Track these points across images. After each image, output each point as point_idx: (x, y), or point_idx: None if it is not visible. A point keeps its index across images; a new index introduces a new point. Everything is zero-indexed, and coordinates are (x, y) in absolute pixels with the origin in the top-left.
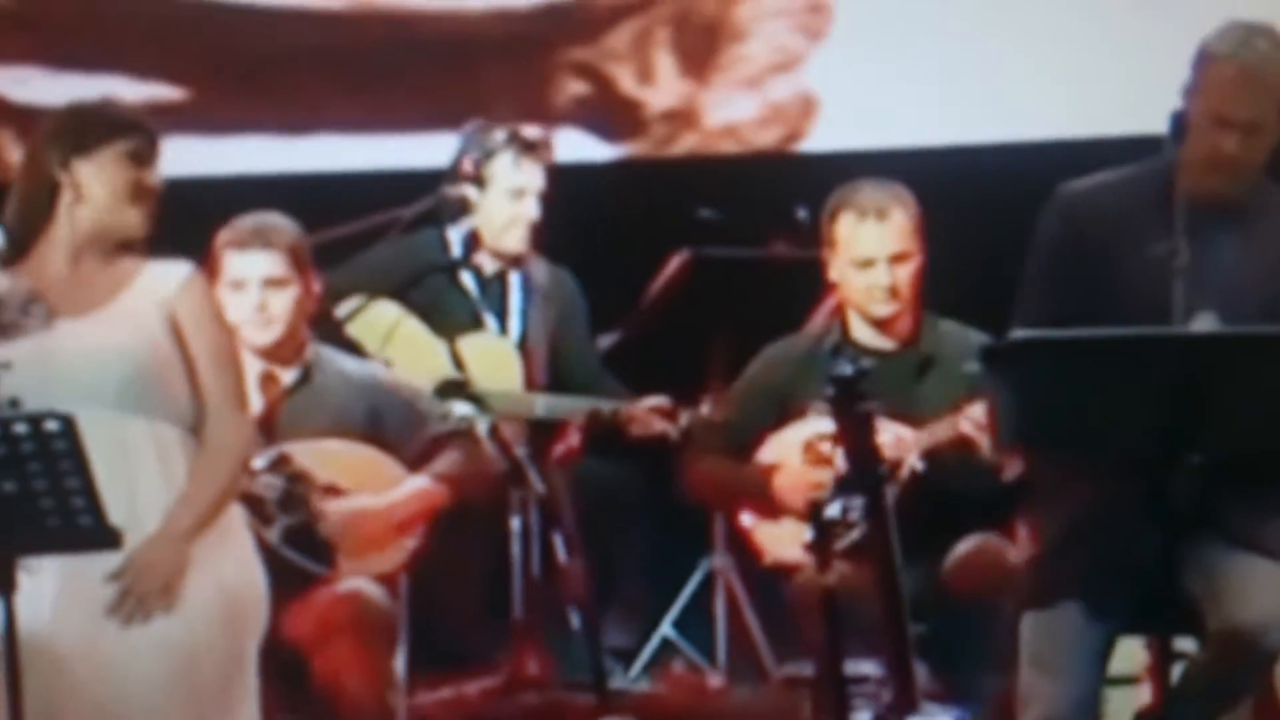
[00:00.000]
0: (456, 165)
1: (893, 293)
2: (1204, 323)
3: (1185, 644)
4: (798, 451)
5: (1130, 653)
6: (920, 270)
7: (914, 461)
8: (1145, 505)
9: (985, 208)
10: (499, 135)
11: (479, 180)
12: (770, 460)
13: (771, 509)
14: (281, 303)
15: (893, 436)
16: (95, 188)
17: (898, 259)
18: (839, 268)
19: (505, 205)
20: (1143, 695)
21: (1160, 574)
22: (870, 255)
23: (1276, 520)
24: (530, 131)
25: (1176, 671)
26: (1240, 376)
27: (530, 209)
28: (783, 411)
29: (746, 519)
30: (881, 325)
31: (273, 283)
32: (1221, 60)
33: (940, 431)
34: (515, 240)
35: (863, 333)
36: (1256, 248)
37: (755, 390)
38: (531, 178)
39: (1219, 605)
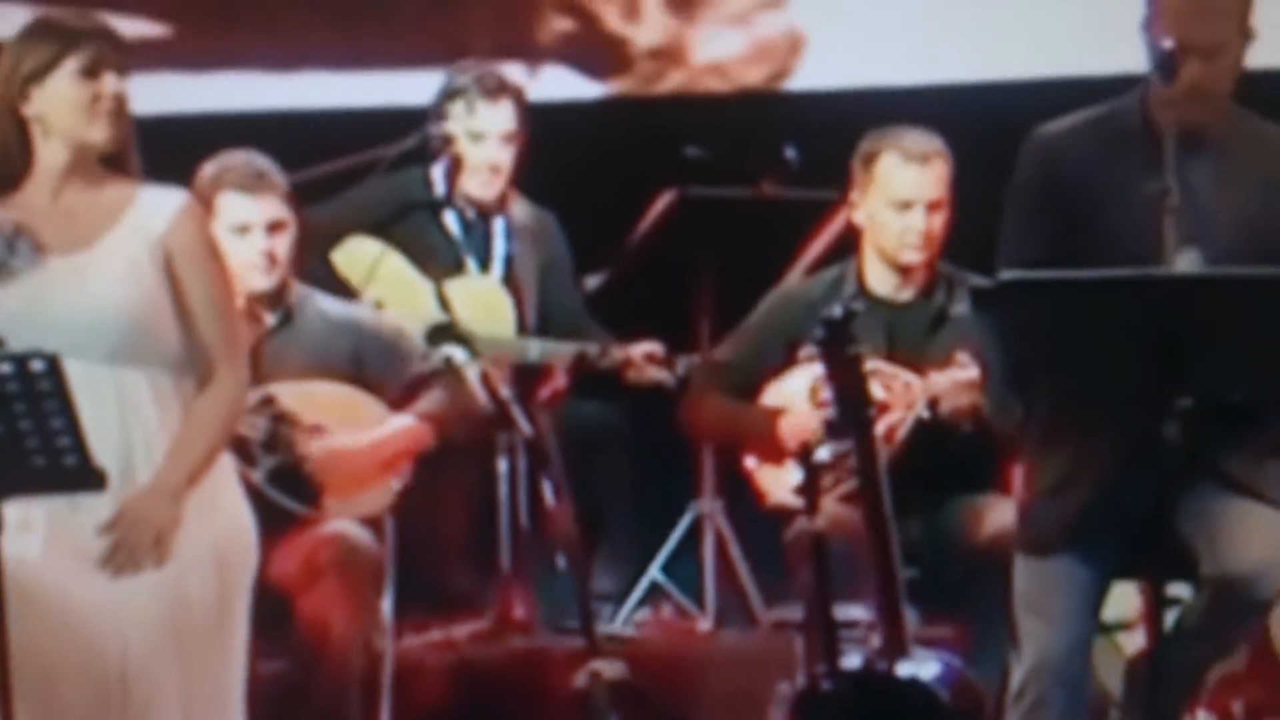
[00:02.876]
0: (434, 105)
1: (926, 239)
2: (1187, 259)
3: (1180, 589)
4: (804, 396)
5: (1124, 598)
6: (948, 223)
7: (921, 409)
8: (1136, 449)
9: (973, 147)
10: (462, 77)
11: (437, 116)
12: (776, 404)
13: (775, 452)
14: (284, 246)
15: (902, 383)
16: (56, 114)
17: (934, 206)
18: (870, 209)
19: (468, 149)
20: (1137, 640)
21: (1153, 519)
22: (910, 198)
23: (1271, 464)
24: (493, 75)
25: (1170, 617)
26: (1228, 318)
27: (490, 154)
28: (790, 354)
29: (749, 461)
30: (901, 274)
31: (275, 226)
32: None
33: (945, 380)
34: (479, 185)
35: (879, 281)
36: (1232, 179)
37: (764, 330)
38: (490, 122)
39: (1213, 551)
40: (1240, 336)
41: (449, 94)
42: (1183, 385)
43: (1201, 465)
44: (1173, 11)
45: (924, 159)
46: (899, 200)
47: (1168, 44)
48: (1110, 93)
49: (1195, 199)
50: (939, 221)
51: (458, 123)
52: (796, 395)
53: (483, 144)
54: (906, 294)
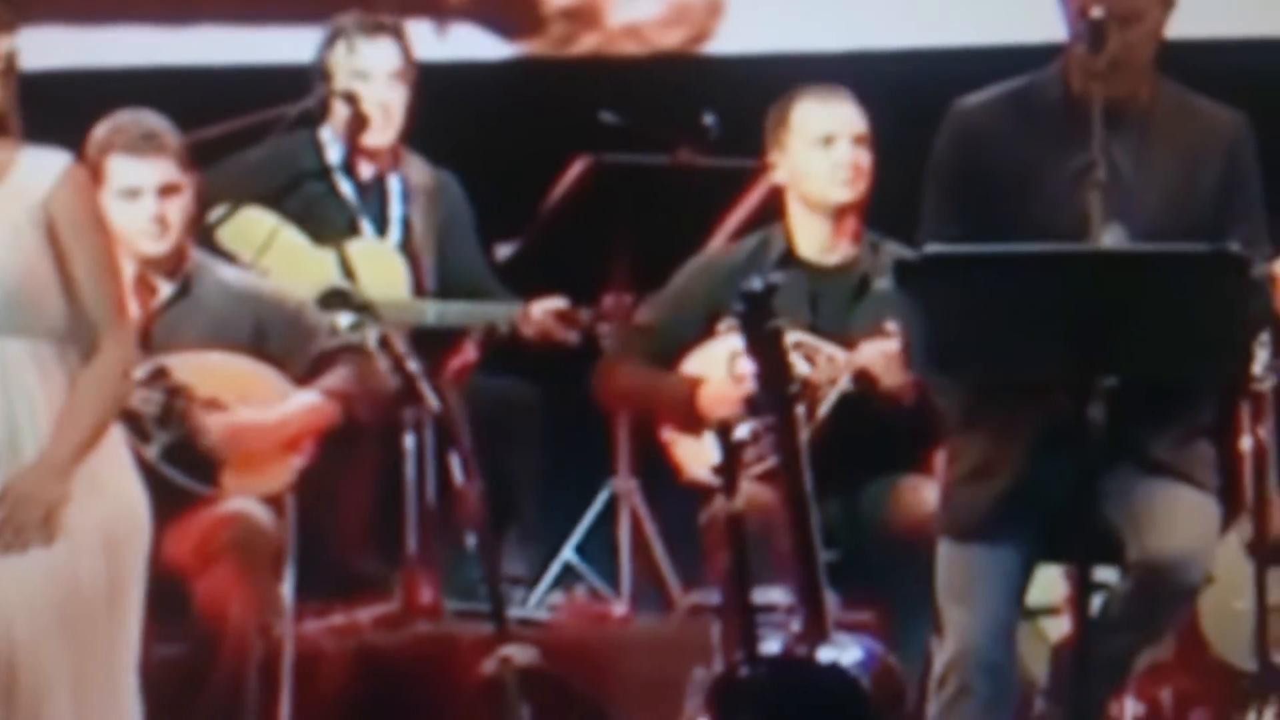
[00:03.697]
0: (315, 61)
1: (855, 171)
2: (1112, 235)
3: (1106, 574)
4: (724, 365)
5: (1049, 583)
6: (871, 178)
7: (845, 383)
8: (1060, 431)
9: (894, 115)
10: (339, 23)
11: (323, 74)
12: (696, 373)
13: (692, 423)
14: (176, 211)
15: (825, 356)
16: None
17: (859, 140)
18: (793, 158)
19: (356, 91)
20: (1062, 626)
21: (1078, 502)
22: (832, 131)
23: (1197, 445)
24: (370, 15)
25: (1096, 602)
26: (1152, 296)
27: (379, 92)
28: (713, 322)
29: (667, 433)
30: (831, 224)
31: (167, 189)
32: None
33: (873, 352)
34: (374, 131)
35: (807, 243)
36: (1157, 153)
37: (685, 296)
38: (374, 59)
39: (1140, 535)
40: (1164, 315)
41: (328, 42)
42: (1106, 365)
43: (1126, 447)
44: None
45: (839, 97)
46: (821, 136)
47: (1097, 13)
48: (1034, 61)
49: (1120, 174)
50: (865, 157)
51: (340, 66)
52: (716, 364)
53: (370, 83)
54: (834, 256)
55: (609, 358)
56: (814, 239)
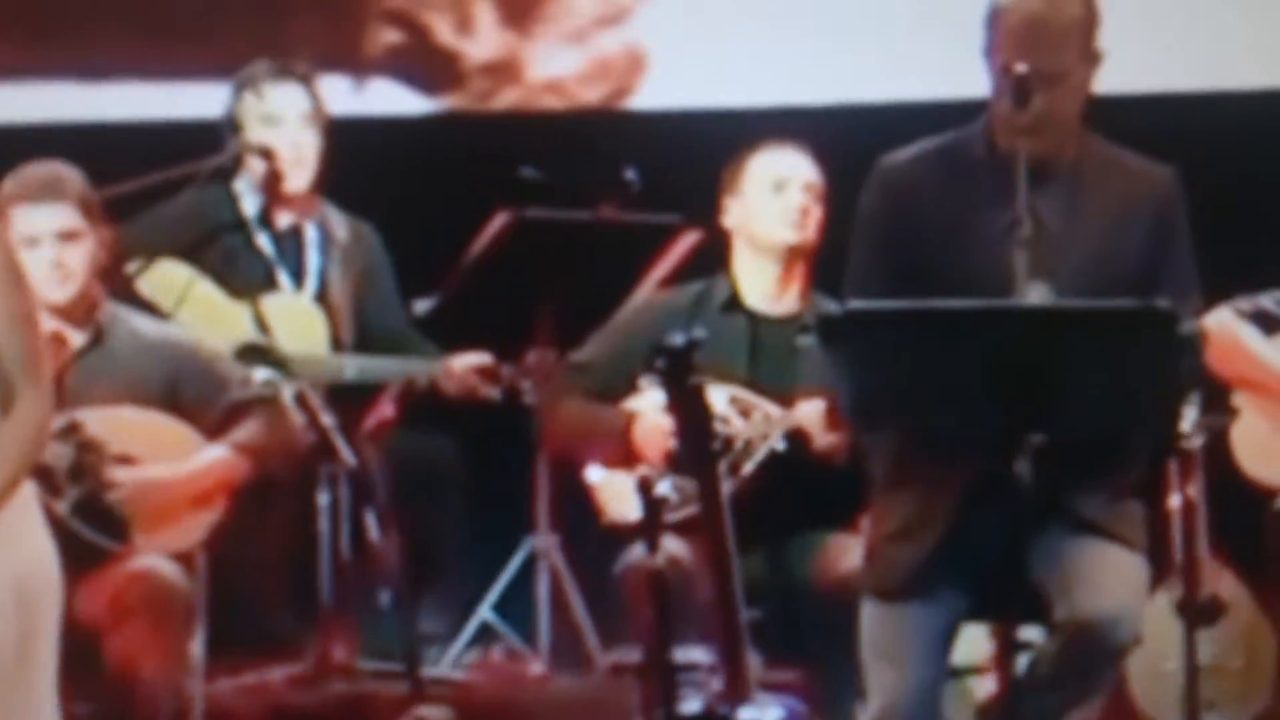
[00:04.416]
0: (226, 114)
1: (804, 215)
2: (1037, 293)
3: (1032, 632)
4: (660, 405)
5: (975, 641)
6: (821, 229)
7: (776, 441)
8: (987, 489)
9: (820, 171)
10: (246, 73)
11: (234, 126)
12: (634, 409)
13: (625, 458)
14: (77, 257)
15: (761, 414)
16: None
17: (811, 189)
18: (744, 201)
19: (266, 138)
20: (988, 685)
21: (1004, 560)
22: (786, 175)
23: (1126, 504)
24: (277, 62)
25: (1022, 661)
26: (1079, 352)
27: (291, 135)
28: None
29: (594, 474)
30: (778, 269)
31: (67, 236)
32: (1008, 10)
33: (812, 411)
34: (292, 178)
35: (752, 290)
36: (1083, 209)
37: (627, 335)
38: (283, 102)
39: (1069, 594)
40: (1092, 372)
41: (236, 92)
42: (1034, 422)
43: (1054, 505)
44: (1014, 37)
45: (796, 149)
46: (775, 179)
47: (1021, 69)
48: (960, 117)
49: (1047, 230)
50: (816, 208)
51: (250, 113)
52: (654, 402)
53: (281, 127)
54: (780, 306)
55: (548, 397)
56: (760, 287)
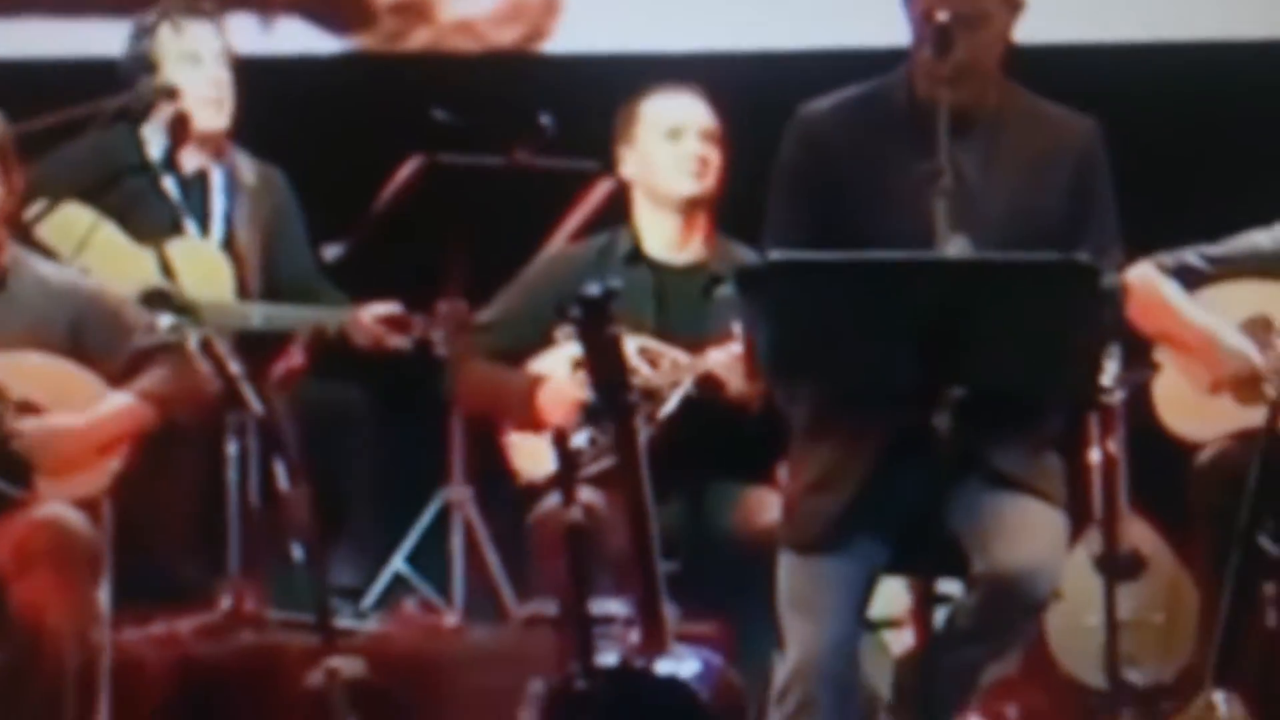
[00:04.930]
0: (134, 52)
1: (702, 164)
2: (957, 245)
3: (950, 586)
4: (567, 365)
5: (892, 595)
6: (721, 175)
7: (687, 387)
8: (905, 442)
9: (736, 118)
10: (156, 9)
11: (147, 65)
12: (539, 371)
13: (533, 423)
14: None
15: (670, 361)
16: None
17: (708, 136)
18: (640, 151)
19: (186, 76)
20: (905, 639)
21: (923, 514)
22: (681, 123)
23: (1046, 458)
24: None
25: (940, 615)
26: (998, 305)
27: (212, 72)
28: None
29: (508, 436)
30: (680, 220)
31: None
32: None
33: (722, 357)
34: (208, 115)
35: (655, 241)
36: (1003, 160)
37: (531, 293)
38: (202, 39)
39: (987, 547)
40: (1012, 325)
41: (149, 29)
42: (953, 376)
43: (973, 459)
44: None
45: (689, 93)
46: (670, 128)
47: (942, 16)
48: (880, 66)
49: (966, 181)
50: (714, 154)
51: (168, 50)
52: (561, 362)
53: (201, 65)
54: (683, 255)
55: (453, 357)
56: (662, 237)
